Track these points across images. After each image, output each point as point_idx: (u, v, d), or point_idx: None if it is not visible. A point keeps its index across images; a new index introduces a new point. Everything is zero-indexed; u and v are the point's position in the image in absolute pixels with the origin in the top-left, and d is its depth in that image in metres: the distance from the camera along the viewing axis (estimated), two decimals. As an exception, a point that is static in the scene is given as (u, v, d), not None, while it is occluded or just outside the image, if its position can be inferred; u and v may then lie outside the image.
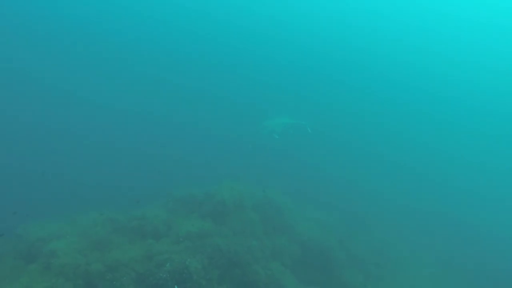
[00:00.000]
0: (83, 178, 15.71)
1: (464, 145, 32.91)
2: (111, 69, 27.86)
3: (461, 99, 40.14)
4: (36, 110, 20.74)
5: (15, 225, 10.98)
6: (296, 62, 37.65)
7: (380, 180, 23.53)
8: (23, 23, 28.07)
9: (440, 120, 36.32)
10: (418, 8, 47.53)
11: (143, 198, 12.46)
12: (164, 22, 37.21)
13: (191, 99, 27.33)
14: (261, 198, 13.18)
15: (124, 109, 23.61)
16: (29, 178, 15.13)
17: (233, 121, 24.25)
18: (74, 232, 10.76)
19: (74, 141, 18.61)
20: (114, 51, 29.89)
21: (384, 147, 28.16)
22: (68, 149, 17.95)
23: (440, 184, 25.75)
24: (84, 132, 19.61)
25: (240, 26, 40.74)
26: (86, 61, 27.67)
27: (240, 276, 9.74)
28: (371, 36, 44.39)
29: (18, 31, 27.19)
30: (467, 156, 30.71)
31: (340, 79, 36.94)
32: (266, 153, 20.06)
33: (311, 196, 17.62)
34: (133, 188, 14.34)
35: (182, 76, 29.74)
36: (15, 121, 18.97)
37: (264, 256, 10.99)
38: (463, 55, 45.15)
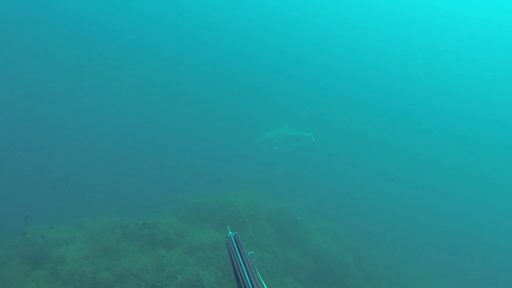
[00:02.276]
0: (93, 183, 15.44)
1: (480, 160, 32.26)
2: (120, 76, 27.89)
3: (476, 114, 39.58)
4: (47, 115, 20.66)
5: (23, 228, 10.70)
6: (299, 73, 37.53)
7: (392, 196, 23.13)
8: (19, 23, 28.21)
9: (452, 135, 35.79)
10: (410, 18, 47.08)
11: (154, 205, 12.15)
12: (171, 28, 37.31)
13: (204, 109, 27.22)
14: (276, 209, 12.75)
15: (135, 116, 23.50)
16: (39, 182, 14.94)
17: (244, 133, 24.01)
18: (82, 237, 10.42)
19: (86, 146, 18.44)
20: (124, 58, 29.95)
21: (395, 163, 27.81)
22: (79, 154, 17.76)
23: (454, 200, 25.10)
24: (96, 138, 19.46)
25: (238, 33, 40.77)
26: (95, 68, 27.75)
27: (253, 291, 9.26)
28: (371, 47, 44.21)
29: (14, 31, 27.28)
30: (483, 172, 30.06)
31: (340, 91, 36.82)
32: (278, 165, 19.82)
33: (325, 211, 17.22)
34: (144, 195, 14.05)
35: (191, 85, 29.70)
36: (25, 126, 18.91)
37: (278, 270, 10.52)
38: (460, 64, 44.75)
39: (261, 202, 12.30)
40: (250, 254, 1.76)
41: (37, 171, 15.58)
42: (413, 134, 34.18)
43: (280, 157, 18.76)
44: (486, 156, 33.11)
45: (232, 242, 1.76)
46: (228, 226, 1.87)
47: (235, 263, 1.62)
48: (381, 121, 34.36)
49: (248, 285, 1.43)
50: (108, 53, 29.83)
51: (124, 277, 8.63)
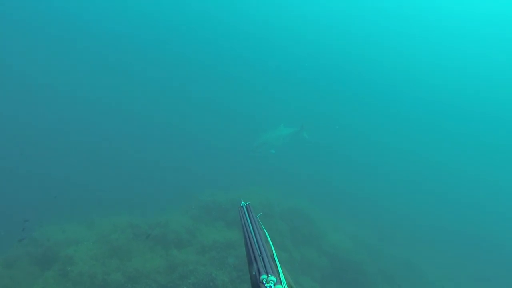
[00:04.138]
0: (102, 183, 15.23)
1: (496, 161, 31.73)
2: (131, 77, 27.75)
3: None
4: (55, 116, 20.52)
5: (32, 228, 10.49)
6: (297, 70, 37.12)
7: (405, 195, 22.80)
8: (18, 21, 28.13)
9: (466, 135, 35.26)
10: (410, 14, 46.27)
11: (165, 204, 11.89)
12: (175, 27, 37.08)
13: (211, 108, 26.99)
14: (289, 207, 12.39)
15: (144, 116, 23.29)
16: (48, 183, 14.76)
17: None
18: (92, 237, 10.16)
19: (95, 147, 18.25)
20: (135, 60, 29.79)
21: (405, 163, 27.43)
22: (88, 154, 17.60)
23: (472, 205, 24.59)
24: (104, 138, 19.26)
25: (236, 30, 40.40)
26: (106, 69, 27.62)
27: (269, 291, 8.92)
28: (372, 43, 43.62)
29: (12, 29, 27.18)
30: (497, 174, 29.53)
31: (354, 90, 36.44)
32: (290, 162, 19.48)
33: (338, 209, 16.88)
34: (154, 194, 13.81)
35: (201, 85, 29.47)
36: (34, 125, 18.79)
37: (293, 269, 10.18)
38: (462, 61, 43.92)
39: (274, 199, 11.94)
40: (258, 216, 1.87)
41: (46, 172, 15.44)
42: (421, 133, 33.71)
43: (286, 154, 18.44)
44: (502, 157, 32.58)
45: (244, 211, 1.84)
46: (242, 199, 1.94)
47: (245, 230, 1.69)
48: (390, 122, 34.08)
49: (256, 250, 1.48)
50: (119, 55, 29.71)
51: (135, 278, 8.35)
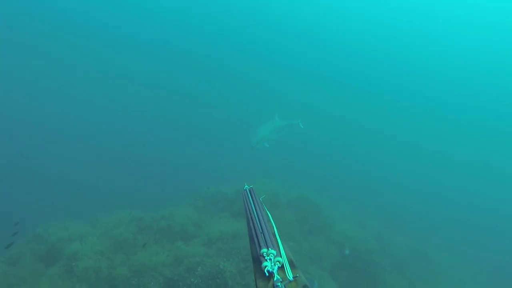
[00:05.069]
0: (106, 179, 15.08)
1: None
2: (124, 74, 27.49)
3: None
4: (56, 115, 20.37)
5: (35, 225, 10.35)
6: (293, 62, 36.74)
7: (415, 185, 22.55)
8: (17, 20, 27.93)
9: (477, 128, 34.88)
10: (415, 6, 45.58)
11: (170, 197, 11.71)
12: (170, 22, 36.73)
13: (213, 101, 26.76)
14: (296, 196, 12.15)
15: (144, 112, 23.06)
16: (50, 181, 14.63)
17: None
18: (96, 232, 9.98)
19: (95, 144, 18.07)
20: (136, 59, 29.54)
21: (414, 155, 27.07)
22: (88, 152, 17.42)
23: (480, 193, 24.31)
24: (104, 135, 19.08)
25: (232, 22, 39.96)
26: (105, 68, 27.42)
27: (278, 282, 8.70)
28: (369, 34, 43.08)
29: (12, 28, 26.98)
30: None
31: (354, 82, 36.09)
32: (296, 154, 19.27)
33: (345, 198, 16.69)
34: (157, 188, 13.63)
35: (201, 81, 29.22)
36: (35, 124, 18.65)
37: (302, 259, 9.96)
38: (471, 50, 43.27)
39: (280, 189, 11.72)
40: (262, 198, 1.92)
41: (47, 171, 15.31)
42: (427, 124, 33.42)
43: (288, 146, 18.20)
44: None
45: (248, 194, 1.88)
46: (245, 183, 1.97)
47: (247, 210, 1.73)
48: (396, 113, 33.84)
49: (258, 227, 1.52)
50: (119, 54, 29.47)
51: (141, 271, 8.15)
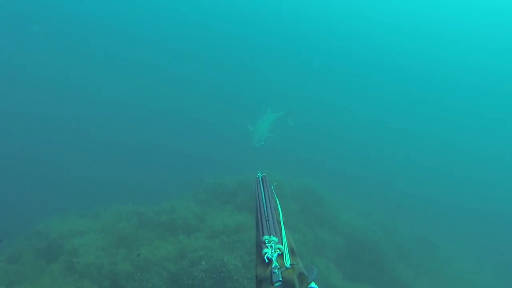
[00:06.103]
0: (106, 173, 14.88)
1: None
2: (128, 67, 27.20)
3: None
4: (55, 108, 20.12)
5: (35, 221, 10.18)
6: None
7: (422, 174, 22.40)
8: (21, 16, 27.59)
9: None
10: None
11: (171, 190, 11.52)
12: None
13: (211, 93, 26.47)
14: (299, 187, 11.97)
15: (143, 105, 22.79)
16: (49, 176, 14.44)
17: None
18: (97, 227, 9.78)
19: (92, 137, 17.85)
20: (139, 51, 29.24)
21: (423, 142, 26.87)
22: (86, 145, 17.21)
23: (485, 182, 24.13)
24: (107, 128, 18.85)
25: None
26: (106, 60, 27.14)
27: (284, 274, 8.53)
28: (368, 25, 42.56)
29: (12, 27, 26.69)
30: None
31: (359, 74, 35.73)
32: (299, 144, 19.08)
33: (349, 188, 16.51)
34: (158, 181, 13.45)
35: (204, 73, 28.90)
36: (45, 118, 18.47)
37: (307, 250, 9.80)
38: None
39: (284, 180, 11.51)
40: (273, 186, 1.92)
41: (46, 165, 15.13)
42: (431, 113, 33.13)
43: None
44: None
45: (260, 181, 1.88)
46: (259, 170, 1.97)
47: (257, 197, 1.74)
48: (401, 103, 33.55)
49: (264, 215, 1.54)
50: (123, 46, 29.17)
51: (144, 267, 7.99)
